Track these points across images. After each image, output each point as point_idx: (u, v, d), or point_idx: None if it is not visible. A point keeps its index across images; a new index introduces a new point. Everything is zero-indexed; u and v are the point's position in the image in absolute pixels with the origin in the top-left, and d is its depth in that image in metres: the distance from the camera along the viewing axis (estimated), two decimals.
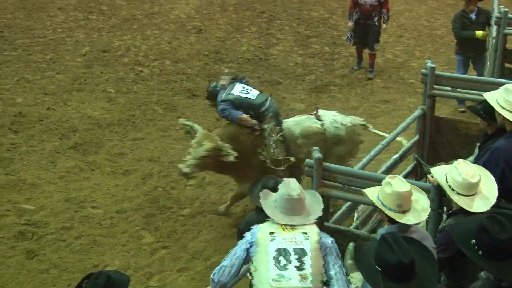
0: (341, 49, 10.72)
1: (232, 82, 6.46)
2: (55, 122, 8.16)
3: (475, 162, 4.17)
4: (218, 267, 3.82)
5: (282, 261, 3.59)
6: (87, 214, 6.44)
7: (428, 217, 4.10)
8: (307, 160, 4.49)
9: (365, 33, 9.50)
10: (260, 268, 3.63)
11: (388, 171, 5.13)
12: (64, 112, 8.41)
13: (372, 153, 5.14)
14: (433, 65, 5.80)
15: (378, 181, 4.20)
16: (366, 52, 9.83)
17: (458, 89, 5.76)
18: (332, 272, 3.67)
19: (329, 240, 3.74)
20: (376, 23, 9.44)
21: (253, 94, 6.32)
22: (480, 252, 3.10)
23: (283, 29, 11.52)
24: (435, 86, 5.81)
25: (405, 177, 5.44)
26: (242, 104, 6.22)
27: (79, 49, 10.32)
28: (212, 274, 3.83)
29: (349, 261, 3.79)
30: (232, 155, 5.94)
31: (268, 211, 3.76)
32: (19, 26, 11.06)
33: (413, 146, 5.84)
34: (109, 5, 12.28)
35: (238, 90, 6.30)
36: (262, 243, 3.66)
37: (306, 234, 3.65)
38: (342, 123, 6.38)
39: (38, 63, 9.79)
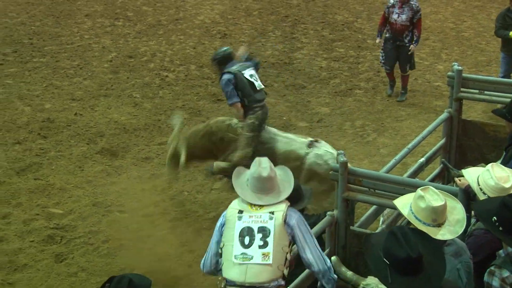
0: (366, 52, 10.68)
1: (248, 60, 6.27)
2: (82, 127, 8.28)
3: (502, 164, 4.12)
4: (202, 259, 3.91)
5: (247, 239, 3.67)
6: (114, 218, 6.51)
7: None
8: (332, 164, 4.49)
9: (395, 54, 8.90)
10: (227, 245, 3.72)
11: (414, 175, 5.10)
12: (91, 118, 8.53)
13: (397, 156, 5.11)
14: (460, 67, 5.75)
15: (403, 185, 4.19)
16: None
17: (485, 92, 5.70)
18: (308, 255, 3.71)
19: (293, 219, 3.72)
20: (407, 44, 8.78)
21: (258, 84, 6.13)
22: (500, 228, 3.30)
23: (308, 33, 11.52)
24: (462, 89, 5.77)
25: (432, 180, 5.42)
26: (243, 88, 6.00)
27: (105, 55, 10.46)
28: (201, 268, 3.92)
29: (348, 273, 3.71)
30: (182, 161, 6.22)
31: (238, 190, 3.80)
32: (47, 33, 11.25)
33: (440, 150, 5.79)
34: (135, 11, 12.42)
35: (248, 73, 6.10)
36: (230, 221, 3.75)
37: (272, 213, 3.70)
38: (326, 161, 5.70)
39: (66, 69, 9.94)
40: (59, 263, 5.85)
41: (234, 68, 6.10)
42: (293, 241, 3.74)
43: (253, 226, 3.67)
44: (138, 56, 10.49)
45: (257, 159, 3.84)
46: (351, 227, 4.50)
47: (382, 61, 9.10)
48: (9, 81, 9.48)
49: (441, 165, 5.72)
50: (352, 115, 8.71)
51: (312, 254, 3.73)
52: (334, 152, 5.71)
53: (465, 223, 3.50)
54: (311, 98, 9.20)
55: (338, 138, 8.09)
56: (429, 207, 3.41)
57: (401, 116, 8.69)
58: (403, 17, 8.71)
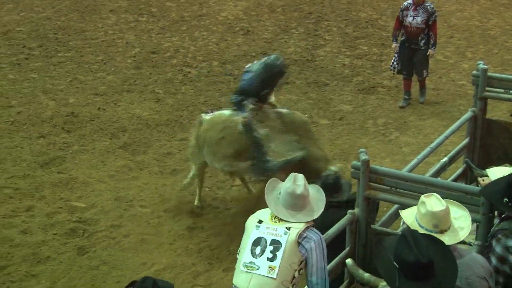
0: (389, 50, 10.58)
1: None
2: (105, 122, 8.36)
3: None
4: None
5: (258, 249, 3.68)
6: (135, 213, 6.57)
7: (478, 222, 4.02)
8: (354, 162, 4.47)
9: (411, 59, 8.59)
10: (241, 252, 3.77)
11: (436, 174, 5.05)
12: (114, 112, 8.60)
13: (420, 155, 5.07)
14: (485, 66, 5.68)
15: (425, 184, 4.16)
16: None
17: (510, 91, 5.63)
18: (313, 280, 3.67)
19: (310, 242, 3.68)
20: (422, 48, 8.49)
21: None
22: None
23: (331, 30, 11.47)
24: (487, 88, 5.70)
25: (455, 180, 5.37)
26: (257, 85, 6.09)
27: (129, 51, 10.54)
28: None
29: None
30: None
31: (271, 205, 3.80)
32: (72, 28, 11.37)
33: (463, 149, 5.73)
34: (159, 7, 12.48)
35: None
36: (248, 228, 3.79)
37: (288, 228, 3.69)
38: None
39: (90, 64, 10.04)
40: (81, 256, 5.93)
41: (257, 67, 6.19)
42: (305, 261, 3.71)
43: (267, 238, 3.69)
44: (161, 52, 10.55)
45: (292, 174, 3.83)
46: (372, 226, 4.48)
47: (393, 66, 8.72)
48: (34, 76, 9.61)
49: (464, 164, 5.66)
50: (375, 113, 8.66)
51: (317, 280, 3.69)
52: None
53: (468, 230, 3.44)
54: (333, 96, 9.17)
55: (360, 136, 8.06)
56: (429, 212, 3.37)
57: (424, 115, 8.63)
58: (418, 19, 8.44)
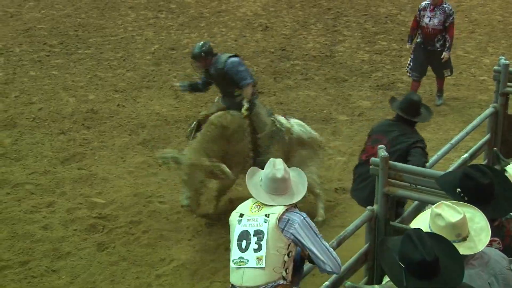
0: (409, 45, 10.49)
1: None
2: (124, 119, 8.40)
3: None
4: None
5: (244, 243, 3.70)
6: (154, 209, 6.59)
7: None
8: (373, 159, 4.43)
9: (425, 61, 8.40)
10: (230, 249, 3.79)
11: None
12: (133, 109, 8.64)
13: (440, 152, 5.03)
14: (507, 61, 5.61)
15: None
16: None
17: None
18: (318, 255, 3.66)
19: (293, 226, 3.66)
20: (438, 49, 8.28)
21: None
22: (466, 198, 3.49)
23: (350, 26, 11.40)
24: (508, 83, 5.63)
25: None
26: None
27: (148, 47, 10.58)
28: None
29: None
30: (227, 172, 5.91)
31: (252, 190, 3.82)
32: (92, 25, 11.44)
33: (484, 145, 5.67)
34: (178, 3, 12.51)
35: None
36: (232, 225, 3.81)
37: (267, 215, 3.70)
38: (306, 128, 6.49)
39: (109, 61, 10.10)
40: (101, 252, 5.97)
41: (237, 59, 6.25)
42: (295, 244, 3.71)
43: (250, 230, 3.71)
44: (180, 48, 10.57)
45: (271, 160, 3.87)
46: (391, 223, 4.45)
47: (409, 68, 8.56)
48: (55, 72, 9.69)
49: (486, 160, 5.60)
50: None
51: (321, 253, 3.67)
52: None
53: (489, 229, 3.36)
54: (352, 92, 9.11)
55: None
56: (450, 224, 3.26)
57: (444, 111, 8.53)
58: (435, 20, 8.22)
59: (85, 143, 7.83)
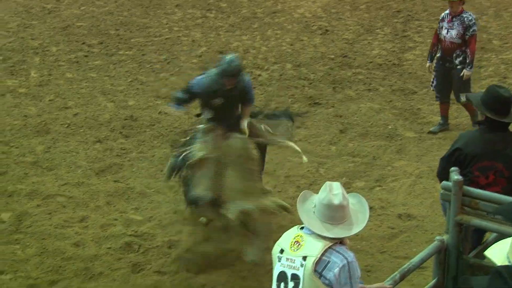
0: (490, 54, 10.34)
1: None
2: (166, 128, 8.53)
3: None
4: None
5: (282, 286, 3.65)
6: (195, 228, 6.64)
7: None
8: (444, 182, 4.38)
9: (446, 79, 8.10)
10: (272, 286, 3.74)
11: None
12: (176, 117, 8.75)
13: None
14: None
15: None
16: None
17: None
18: None
19: (333, 270, 3.54)
20: (458, 66, 7.98)
21: None
22: None
23: (422, 31, 11.30)
24: None
25: None
26: None
27: (195, 50, 10.73)
28: None
29: None
30: (288, 207, 6.02)
31: (304, 217, 3.68)
32: (135, 23, 11.69)
33: None
34: (229, 2, 12.65)
35: None
36: (273, 260, 3.75)
37: (304, 259, 3.59)
38: None
39: (152, 64, 10.29)
40: (136, 273, 6.06)
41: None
42: None
43: (288, 272, 3.64)
44: (229, 51, 10.68)
45: (327, 183, 3.71)
46: (464, 256, 4.37)
47: (432, 86, 8.37)
48: (93, 75, 9.93)
49: None
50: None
51: None
52: None
53: None
54: (422, 105, 9.01)
55: None
56: None
57: None
58: (453, 33, 7.95)
59: (122, 153, 7.98)
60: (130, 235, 6.54)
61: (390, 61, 10.27)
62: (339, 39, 11.07)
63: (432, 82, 8.37)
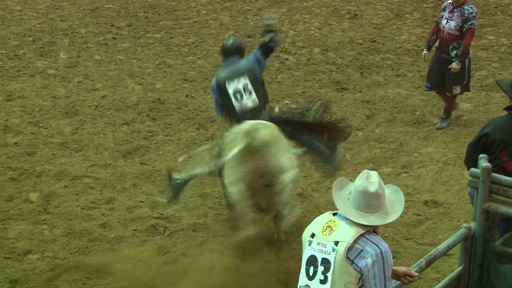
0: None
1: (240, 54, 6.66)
2: (193, 111, 8.56)
3: None
4: None
5: (311, 270, 3.63)
6: (221, 212, 6.68)
7: None
8: (472, 169, 4.34)
9: (441, 69, 8.00)
10: (300, 270, 3.72)
11: None
12: (203, 101, 8.79)
13: None
14: None
15: None
16: None
17: None
18: None
19: (366, 258, 3.52)
20: (453, 59, 7.88)
21: (241, 104, 6.35)
22: None
23: None
24: None
25: None
26: (227, 103, 6.37)
27: (222, 33, 10.72)
28: None
29: None
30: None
31: (339, 204, 3.67)
32: (163, 6, 11.71)
33: None
34: None
35: (234, 87, 6.32)
36: (303, 244, 3.73)
37: (336, 244, 3.56)
38: None
39: (179, 47, 10.31)
40: (161, 255, 6.10)
41: (223, 74, 6.26)
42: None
43: (318, 256, 3.62)
44: (257, 36, 10.65)
45: (365, 171, 3.71)
46: (491, 244, 4.33)
47: (426, 86, 8.35)
48: (121, 57, 9.99)
49: None
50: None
51: None
52: None
53: None
54: None
55: None
56: None
57: None
58: (452, 23, 7.83)
59: (149, 135, 8.03)
60: (156, 218, 6.60)
61: (419, 46, 10.16)
62: (368, 24, 10.97)
63: (427, 82, 8.26)
